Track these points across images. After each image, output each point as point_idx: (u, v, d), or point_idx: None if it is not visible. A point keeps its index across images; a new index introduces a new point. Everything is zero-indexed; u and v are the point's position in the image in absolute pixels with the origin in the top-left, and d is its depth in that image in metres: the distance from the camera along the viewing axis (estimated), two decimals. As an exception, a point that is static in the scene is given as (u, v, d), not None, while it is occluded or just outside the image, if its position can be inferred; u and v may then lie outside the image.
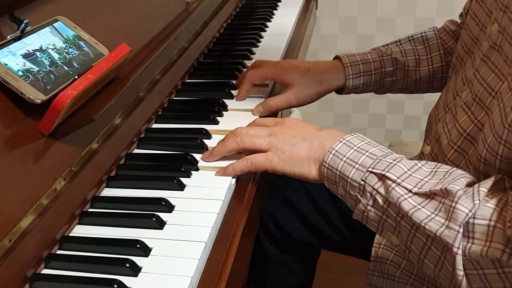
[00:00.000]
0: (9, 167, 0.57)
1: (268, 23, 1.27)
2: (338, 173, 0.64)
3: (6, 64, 0.61)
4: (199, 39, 1.06)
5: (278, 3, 1.40)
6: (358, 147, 0.64)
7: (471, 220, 0.53)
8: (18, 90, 0.60)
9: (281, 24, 1.27)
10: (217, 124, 0.83)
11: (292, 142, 0.68)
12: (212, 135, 0.79)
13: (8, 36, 0.64)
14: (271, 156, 0.68)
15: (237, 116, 0.85)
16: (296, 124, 0.71)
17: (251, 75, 0.90)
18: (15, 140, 0.59)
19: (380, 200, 0.60)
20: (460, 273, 0.54)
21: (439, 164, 0.62)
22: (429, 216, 0.56)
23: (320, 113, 2.06)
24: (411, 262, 0.70)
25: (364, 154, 0.63)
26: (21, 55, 0.63)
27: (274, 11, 1.35)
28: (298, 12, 1.33)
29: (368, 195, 0.61)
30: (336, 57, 0.94)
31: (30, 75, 0.62)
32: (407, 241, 0.60)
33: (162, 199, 0.65)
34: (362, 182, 0.61)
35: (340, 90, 0.94)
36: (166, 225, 0.62)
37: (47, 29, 0.69)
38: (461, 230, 0.53)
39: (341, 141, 0.65)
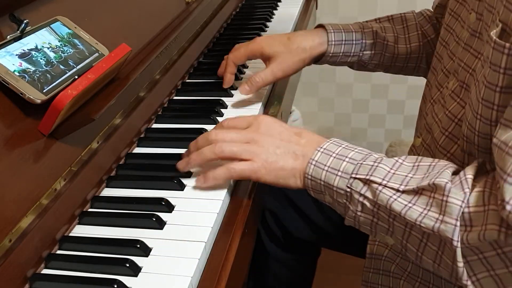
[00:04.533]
0: (9, 167, 0.57)
1: (268, 23, 1.27)
2: (322, 183, 0.63)
3: (2, 65, 0.61)
4: (199, 39, 1.06)
5: (278, 3, 1.40)
6: (337, 154, 0.63)
7: (466, 210, 0.53)
8: (18, 90, 0.60)
9: (281, 24, 1.27)
10: (217, 123, 0.83)
11: (276, 152, 0.65)
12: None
13: (8, 36, 0.64)
14: (256, 166, 0.65)
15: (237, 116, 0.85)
16: (274, 128, 0.68)
17: (232, 56, 0.89)
18: (15, 140, 0.59)
19: (368, 204, 0.60)
20: (460, 264, 0.54)
21: (420, 157, 0.62)
22: (421, 213, 0.56)
23: (320, 113, 2.06)
24: (409, 260, 0.70)
25: (344, 160, 0.62)
26: (17, 55, 0.63)
27: (274, 11, 1.35)
28: (298, 12, 1.33)
29: (356, 201, 0.61)
30: (319, 26, 0.94)
31: (26, 75, 0.62)
32: (402, 240, 0.60)
33: (162, 199, 0.65)
34: (348, 189, 0.61)
35: (320, 57, 0.92)
36: (166, 225, 0.62)
37: (43, 29, 0.69)
38: (458, 223, 0.53)
39: (318, 150, 0.64)
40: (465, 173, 0.56)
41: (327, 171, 0.63)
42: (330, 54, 0.91)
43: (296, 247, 1.03)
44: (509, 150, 0.50)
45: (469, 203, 0.54)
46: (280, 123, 0.69)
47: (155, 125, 0.84)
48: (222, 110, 0.86)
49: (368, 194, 0.60)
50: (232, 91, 0.92)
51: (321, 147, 0.64)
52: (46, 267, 0.58)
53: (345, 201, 0.62)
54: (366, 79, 1.94)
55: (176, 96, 0.93)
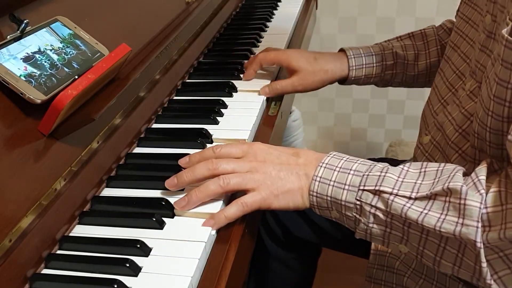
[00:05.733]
0: (9, 167, 0.57)
1: (268, 23, 1.27)
2: (329, 198, 0.63)
3: (8, 69, 0.61)
4: (199, 39, 1.06)
5: (278, 3, 1.40)
6: (341, 168, 0.63)
7: (484, 211, 0.54)
8: (18, 90, 0.60)
9: (281, 24, 1.27)
10: (217, 124, 0.83)
11: (280, 176, 0.65)
12: (212, 135, 0.79)
13: (8, 36, 0.64)
14: (265, 194, 0.64)
15: (237, 116, 0.86)
16: (270, 154, 0.67)
17: (262, 56, 0.95)
18: (15, 140, 0.59)
19: (381, 215, 0.60)
20: (484, 265, 0.55)
21: (424, 163, 0.62)
22: (439, 218, 0.56)
23: (320, 113, 2.05)
24: (426, 265, 0.70)
25: (349, 173, 0.62)
26: (21, 58, 0.63)
27: (274, 11, 1.35)
28: (298, 12, 1.33)
29: (367, 213, 0.61)
30: (341, 50, 0.99)
31: (32, 80, 0.62)
32: (418, 247, 0.60)
33: (162, 199, 0.65)
34: (358, 202, 0.61)
35: (343, 81, 0.98)
36: (166, 225, 0.62)
37: (43, 29, 0.69)
38: (480, 224, 0.53)
39: (321, 166, 0.64)
40: (477, 175, 0.56)
41: (333, 186, 0.62)
42: (353, 78, 0.97)
43: (296, 247, 1.03)
44: None
45: (486, 203, 0.54)
46: (275, 147, 0.69)
47: (155, 125, 0.84)
48: (222, 110, 0.86)
49: (380, 205, 0.59)
50: (232, 91, 0.92)
51: (323, 162, 0.64)
52: (46, 267, 0.58)
53: (355, 214, 0.62)
54: (366, 79, 1.94)
55: (176, 96, 0.93)
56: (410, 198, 0.58)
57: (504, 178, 0.55)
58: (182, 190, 0.68)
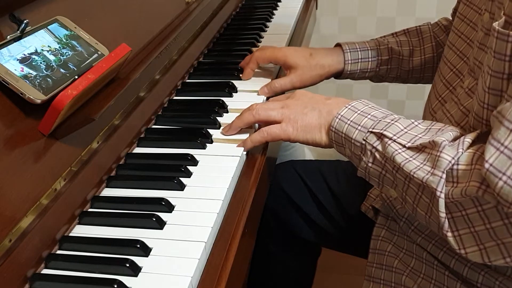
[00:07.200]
0: (9, 167, 0.57)
1: (268, 23, 1.27)
2: (343, 135, 0.69)
3: (8, 69, 0.61)
4: (199, 39, 1.06)
5: (278, 3, 1.40)
6: (362, 111, 0.69)
7: (455, 167, 0.58)
8: (18, 90, 0.60)
9: (281, 24, 1.27)
10: (217, 124, 0.83)
11: (303, 112, 0.74)
12: (212, 135, 0.79)
13: (8, 36, 0.64)
14: (285, 126, 0.73)
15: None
16: (306, 95, 0.77)
17: (258, 55, 0.96)
18: (15, 140, 0.59)
19: (378, 156, 0.65)
20: (443, 215, 0.59)
21: (434, 122, 0.67)
22: (418, 166, 0.60)
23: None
24: (408, 211, 0.74)
25: (366, 117, 0.68)
26: (18, 59, 0.63)
27: (274, 11, 1.35)
28: (298, 12, 1.33)
29: (369, 153, 0.66)
30: (337, 44, 1.00)
31: (27, 81, 0.62)
32: (402, 192, 0.64)
33: (162, 199, 0.65)
34: (364, 142, 0.67)
35: (339, 75, 0.99)
36: (166, 225, 0.62)
37: (43, 30, 0.69)
38: (444, 176, 0.58)
39: (346, 107, 0.71)
40: (465, 137, 0.60)
41: (349, 124, 0.69)
42: (348, 72, 0.98)
43: (296, 247, 1.03)
44: (501, 118, 0.54)
45: (459, 161, 0.58)
46: (314, 94, 0.77)
47: (155, 125, 0.84)
48: (222, 110, 0.86)
49: (379, 147, 0.65)
50: (232, 91, 0.92)
51: (350, 104, 0.71)
52: (46, 267, 0.58)
53: (359, 153, 0.68)
54: (366, 79, 1.94)
55: (176, 96, 0.93)
56: (404, 146, 0.63)
57: (484, 144, 0.58)
58: (183, 190, 0.68)
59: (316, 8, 1.55)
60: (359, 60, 0.98)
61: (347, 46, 0.98)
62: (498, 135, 0.53)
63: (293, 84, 0.94)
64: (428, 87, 0.93)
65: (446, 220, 0.59)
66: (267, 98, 0.91)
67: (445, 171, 0.58)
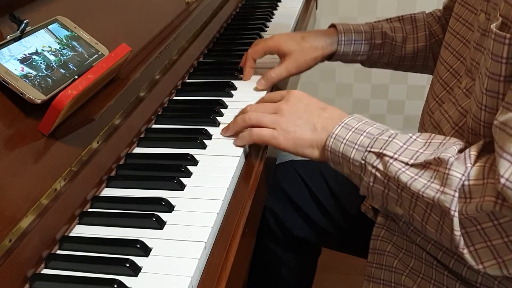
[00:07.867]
0: (9, 167, 0.57)
1: (268, 23, 1.27)
2: (340, 155, 0.68)
3: (8, 69, 0.61)
4: (199, 39, 1.06)
5: (278, 3, 1.40)
6: (356, 128, 0.68)
7: (466, 183, 0.57)
8: (18, 90, 0.60)
9: (281, 24, 1.27)
10: (217, 124, 0.83)
11: (297, 123, 0.72)
12: (212, 135, 0.79)
13: (8, 36, 0.64)
14: (276, 134, 0.72)
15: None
16: (301, 101, 0.75)
17: (251, 51, 0.96)
18: (15, 140, 0.59)
19: (379, 176, 0.64)
20: (457, 233, 0.57)
21: (433, 135, 0.65)
22: (425, 184, 0.59)
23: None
24: (416, 228, 0.72)
25: (361, 134, 0.67)
26: (18, 59, 0.63)
27: (274, 11, 1.35)
28: (298, 12, 1.33)
29: (369, 172, 0.65)
30: (332, 25, 0.99)
31: (27, 81, 0.62)
32: (409, 210, 0.63)
33: (162, 199, 0.65)
34: (363, 162, 0.65)
35: (331, 56, 0.98)
36: (166, 225, 0.62)
37: (43, 30, 0.69)
38: (457, 194, 0.56)
39: (339, 125, 0.69)
40: (470, 150, 0.59)
41: (345, 144, 0.67)
42: (341, 53, 0.97)
43: (296, 247, 1.03)
44: (509, 130, 0.53)
45: (469, 176, 0.57)
46: (310, 97, 0.76)
47: (155, 125, 0.84)
48: (222, 110, 0.86)
49: (380, 166, 0.64)
50: (232, 91, 0.92)
51: (343, 122, 0.69)
52: (46, 267, 0.58)
53: (360, 172, 0.67)
54: (366, 79, 1.94)
55: (176, 96, 0.94)
56: (407, 164, 0.62)
57: (493, 156, 0.57)
58: (183, 190, 0.68)
59: (316, 8, 1.55)
60: (352, 42, 0.97)
61: (341, 27, 0.97)
62: (510, 149, 0.52)
63: (289, 71, 0.93)
64: (428, 87, 0.93)
65: (461, 237, 0.58)
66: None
67: (457, 190, 0.56)
